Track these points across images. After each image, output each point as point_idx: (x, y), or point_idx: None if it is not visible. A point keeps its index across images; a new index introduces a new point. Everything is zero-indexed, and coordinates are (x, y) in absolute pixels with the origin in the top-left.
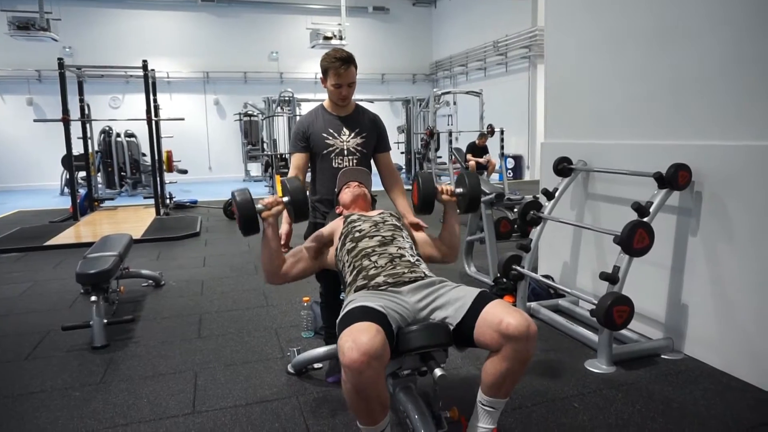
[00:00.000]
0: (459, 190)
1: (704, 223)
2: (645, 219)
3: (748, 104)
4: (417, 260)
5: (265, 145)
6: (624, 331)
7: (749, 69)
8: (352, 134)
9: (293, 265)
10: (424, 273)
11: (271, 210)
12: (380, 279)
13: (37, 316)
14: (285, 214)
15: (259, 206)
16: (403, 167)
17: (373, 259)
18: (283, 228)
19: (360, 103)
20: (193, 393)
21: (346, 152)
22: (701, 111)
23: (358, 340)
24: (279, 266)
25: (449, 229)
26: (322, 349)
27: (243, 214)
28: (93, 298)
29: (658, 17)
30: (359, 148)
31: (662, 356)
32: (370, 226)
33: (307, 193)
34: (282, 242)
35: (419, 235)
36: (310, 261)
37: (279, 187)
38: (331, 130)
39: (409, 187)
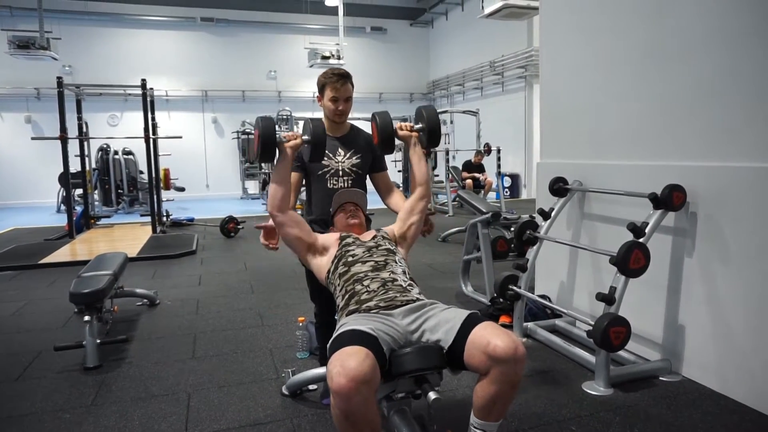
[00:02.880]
0: (418, 125)
1: (700, 244)
2: (641, 240)
3: (741, 126)
4: (409, 285)
5: (262, 163)
6: (621, 353)
7: (742, 90)
8: (348, 155)
9: (296, 224)
10: (416, 297)
11: (290, 142)
12: (372, 303)
13: (29, 335)
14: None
15: (279, 136)
16: (401, 185)
17: (366, 283)
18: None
19: (357, 122)
20: (186, 415)
21: (341, 173)
22: (695, 132)
23: (346, 364)
24: (285, 196)
25: (415, 164)
26: (317, 371)
27: (264, 138)
28: (86, 317)
29: (651, 39)
30: (354, 169)
31: (660, 378)
32: (364, 252)
33: (302, 213)
34: (274, 243)
35: (400, 215)
36: (305, 243)
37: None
38: (327, 151)
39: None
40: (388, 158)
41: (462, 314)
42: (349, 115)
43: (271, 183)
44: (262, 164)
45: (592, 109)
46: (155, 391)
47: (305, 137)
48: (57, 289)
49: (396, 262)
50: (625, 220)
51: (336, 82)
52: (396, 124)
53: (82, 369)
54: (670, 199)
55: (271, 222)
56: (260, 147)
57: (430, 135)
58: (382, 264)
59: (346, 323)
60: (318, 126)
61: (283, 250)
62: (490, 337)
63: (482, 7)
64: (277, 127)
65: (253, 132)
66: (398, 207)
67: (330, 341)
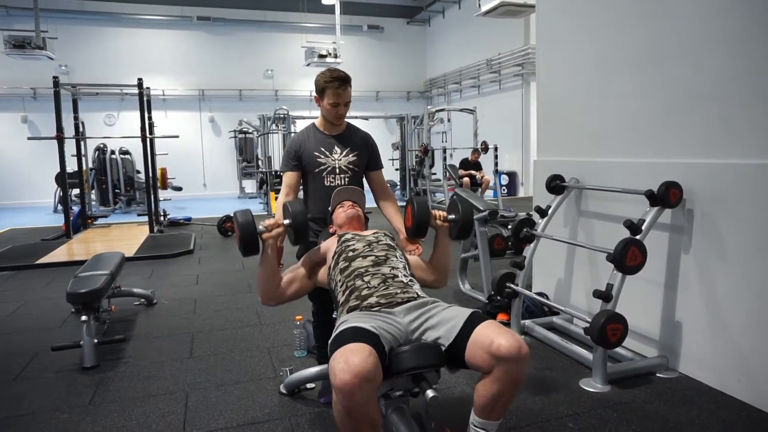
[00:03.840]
0: (451, 216)
1: (696, 241)
2: (637, 237)
3: (737, 123)
4: (410, 280)
5: (260, 162)
6: (619, 349)
7: (738, 87)
8: (344, 152)
9: (288, 285)
10: (416, 293)
11: (272, 232)
12: (373, 300)
13: (26, 336)
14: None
15: (260, 228)
16: (398, 184)
17: (366, 279)
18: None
19: (355, 120)
20: (184, 414)
21: (338, 170)
22: (691, 129)
23: (349, 361)
24: (276, 287)
25: (441, 255)
26: (314, 369)
27: (244, 235)
28: (84, 317)
29: (649, 37)
30: (351, 167)
31: (657, 375)
32: (364, 246)
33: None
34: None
35: (412, 258)
36: (305, 280)
37: (273, 204)
38: (323, 149)
39: (403, 204)
40: (386, 157)
41: (464, 313)
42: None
43: (259, 278)
44: (259, 164)
45: (589, 106)
46: (153, 391)
47: (286, 221)
48: (54, 289)
49: (396, 258)
50: (621, 217)
51: (338, 88)
52: (432, 212)
53: (79, 369)
54: (667, 196)
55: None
56: (243, 244)
57: (462, 228)
58: (382, 259)
59: (347, 320)
60: (297, 210)
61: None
62: (494, 336)
63: (479, 5)
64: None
65: (249, 132)
66: (391, 217)
67: (331, 338)
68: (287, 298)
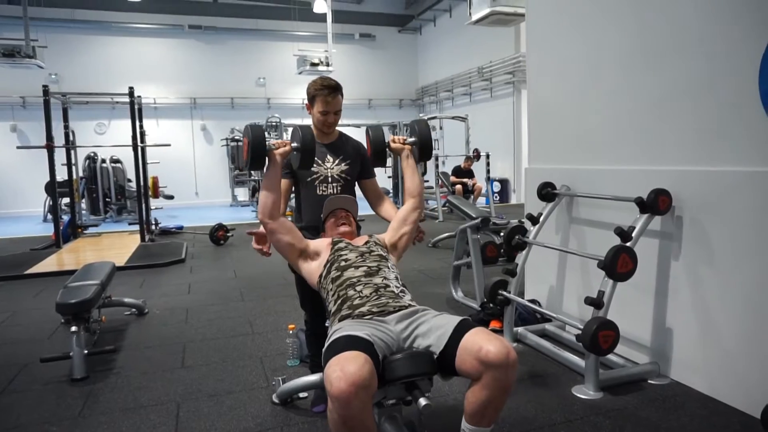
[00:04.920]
0: (412, 139)
1: (686, 248)
2: (628, 243)
3: (726, 130)
4: (401, 291)
5: (252, 170)
6: (611, 356)
7: (727, 95)
8: (336, 161)
9: (287, 231)
10: (408, 303)
11: (279, 150)
12: (365, 308)
13: (15, 347)
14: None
15: (269, 144)
16: (391, 191)
17: (358, 288)
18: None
19: (347, 128)
20: (175, 426)
21: (330, 179)
22: (680, 137)
23: (346, 369)
24: (275, 203)
25: (410, 176)
26: (307, 378)
27: (254, 147)
28: (73, 328)
29: (636, 45)
30: (343, 175)
31: (649, 381)
32: (356, 257)
33: (292, 220)
34: (267, 248)
35: (392, 224)
36: (297, 249)
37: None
38: (316, 158)
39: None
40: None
41: (453, 320)
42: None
43: (262, 190)
44: (252, 171)
45: (579, 114)
46: (144, 402)
47: (294, 144)
48: (43, 300)
49: (388, 268)
50: (612, 224)
51: (327, 96)
52: (389, 137)
53: (69, 380)
54: (656, 203)
55: (262, 228)
56: (250, 154)
57: (422, 148)
58: (375, 269)
59: (340, 328)
60: (307, 133)
61: (274, 257)
62: (483, 343)
63: (470, 14)
64: (266, 134)
65: (241, 139)
66: (389, 215)
67: (325, 346)
68: (280, 235)
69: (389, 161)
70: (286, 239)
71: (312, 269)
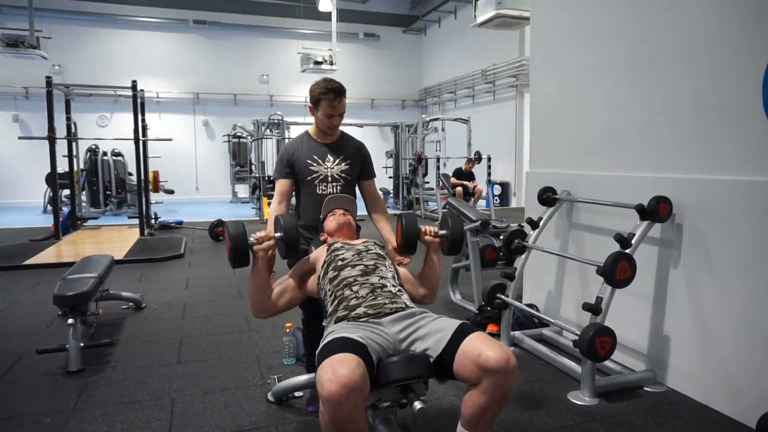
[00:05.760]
0: (442, 231)
1: (685, 256)
2: (627, 250)
3: (727, 139)
4: (399, 290)
5: (253, 167)
6: (607, 363)
7: (729, 103)
8: (337, 161)
9: (280, 296)
10: (405, 304)
11: (263, 245)
12: (361, 310)
13: (11, 338)
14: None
15: (251, 239)
16: (391, 191)
17: (355, 288)
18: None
19: (349, 127)
20: (170, 421)
21: (330, 179)
22: (681, 144)
23: (337, 371)
24: (267, 299)
25: (430, 270)
26: (302, 378)
27: (235, 247)
28: (70, 320)
29: (640, 52)
30: (343, 175)
31: (645, 388)
32: (353, 255)
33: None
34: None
35: (401, 270)
36: (295, 291)
37: (266, 209)
38: (316, 157)
39: (394, 213)
40: (380, 164)
41: (453, 324)
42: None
43: (250, 290)
44: (252, 169)
45: (581, 119)
46: (138, 396)
47: (278, 234)
48: (41, 291)
49: (386, 267)
50: (612, 230)
51: (333, 99)
52: (422, 228)
53: (64, 373)
54: (657, 210)
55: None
56: (233, 256)
57: (452, 244)
58: (371, 268)
59: (335, 330)
60: (289, 224)
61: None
62: (482, 348)
63: (475, 16)
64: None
65: (243, 137)
66: (381, 227)
67: (319, 348)
68: (278, 310)
69: (390, 161)
70: (285, 302)
71: (313, 282)
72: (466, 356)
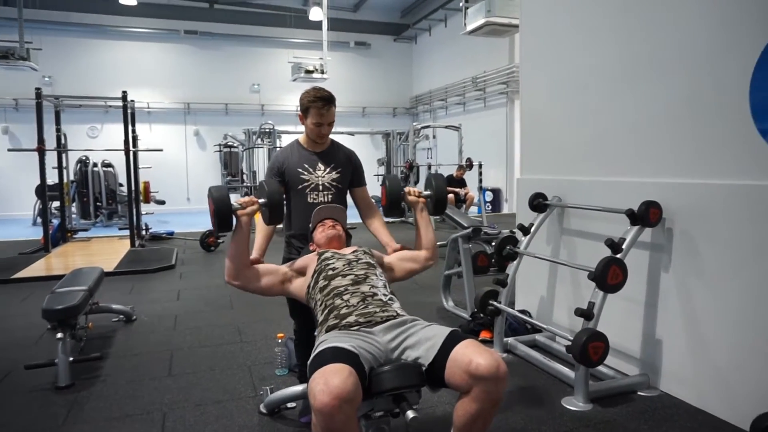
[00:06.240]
0: (426, 192)
1: (676, 260)
2: (618, 255)
3: (716, 143)
4: (390, 299)
5: (244, 177)
6: (601, 368)
7: (717, 108)
8: (327, 169)
9: (263, 275)
10: (396, 312)
11: (246, 209)
12: (352, 318)
13: None
14: (259, 223)
15: (235, 204)
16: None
17: (345, 297)
18: (258, 241)
19: (340, 136)
20: None
21: (321, 187)
22: (670, 149)
23: (329, 382)
24: (244, 265)
25: (423, 230)
26: (295, 388)
27: (218, 211)
28: (59, 335)
29: (627, 57)
30: (334, 184)
31: (639, 393)
32: (344, 265)
33: (281, 226)
34: (258, 255)
35: (399, 253)
36: (277, 279)
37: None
38: (307, 166)
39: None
40: (371, 172)
41: (443, 332)
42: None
43: (229, 254)
44: (244, 179)
45: (571, 125)
46: (129, 411)
47: (262, 200)
48: (30, 305)
49: (376, 276)
50: (603, 235)
51: (321, 108)
52: (405, 189)
53: (53, 388)
54: (647, 215)
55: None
56: (216, 219)
57: (437, 203)
58: (362, 277)
59: (326, 340)
60: (273, 189)
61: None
62: (473, 356)
63: (465, 24)
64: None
65: (234, 146)
66: (377, 232)
67: (311, 358)
68: (254, 287)
69: (382, 170)
70: (263, 282)
71: (299, 285)
72: (457, 364)
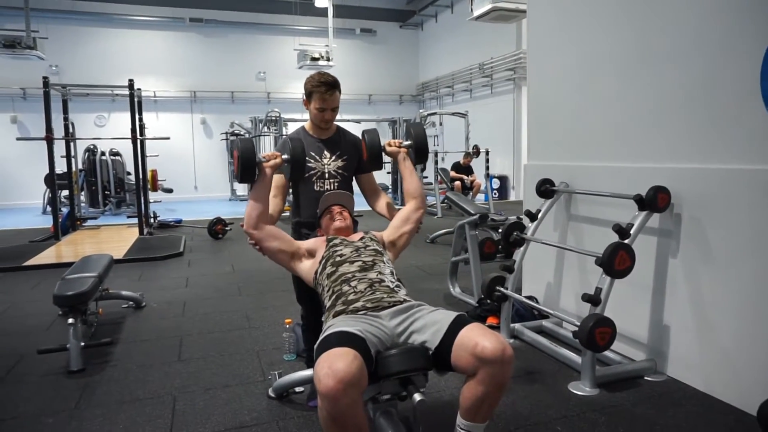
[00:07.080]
0: (407, 142)
1: (684, 245)
2: (626, 241)
3: (725, 128)
4: (397, 286)
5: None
6: (607, 353)
7: (727, 92)
8: (333, 157)
9: (275, 237)
10: (403, 298)
11: (270, 162)
12: (359, 304)
13: (12, 339)
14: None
15: (259, 156)
16: (389, 187)
17: (353, 284)
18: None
19: (347, 123)
20: (171, 419)
21: (327, 175)
22: (679, 134)
23: (334, 366)
24: (263, 215)
25: (408, 180)
26: (303, 373)
27: (244, 161)
28: (70, 320)
29: (637, 42)
30: (340, 171)
31: (645, 378)
32: (351, 251)
33: (288, 214)
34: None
35: (392, 223)
36: (289, 253)
37: None
38: (313, 153)
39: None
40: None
41: (449, 316)
42: (337, 116)
43: (249, 201)
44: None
45: (579, 111)
46: (140, 395)
47: (285, 156)
48: (41, 292)
49: (384, 263)
50: (610, 221)
51: (325, 93)
52: (384, 141)
53: (65, 372)
54: (655, 200)
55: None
56: (240, 168)
57: (418, 151)
58: (370, 264)
59: (333, 324)
60: (297, 145)
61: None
62: (478, 339)
63: (471, 10)
64: (256, 144)
65: (241, 133)
66: (385, 212)
67: (317, 343)
68: (268, 244)
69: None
70: (275, 245)
71: (307, 268)
72: (463, 347)
